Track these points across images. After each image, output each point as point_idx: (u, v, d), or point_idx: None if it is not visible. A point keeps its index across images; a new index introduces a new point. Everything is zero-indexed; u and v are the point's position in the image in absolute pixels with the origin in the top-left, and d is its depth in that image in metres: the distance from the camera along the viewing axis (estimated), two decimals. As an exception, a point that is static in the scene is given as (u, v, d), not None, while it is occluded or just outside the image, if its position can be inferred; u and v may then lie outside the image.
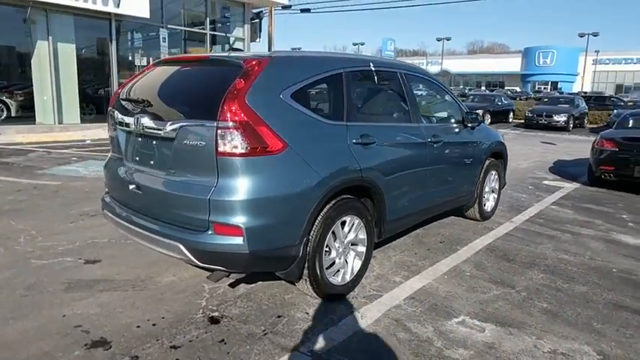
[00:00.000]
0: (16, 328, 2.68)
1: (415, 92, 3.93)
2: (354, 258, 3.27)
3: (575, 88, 46.43)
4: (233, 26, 17.34)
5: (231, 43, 17.35)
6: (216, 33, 16.53)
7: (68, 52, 12.41)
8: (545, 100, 21.66)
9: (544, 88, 50.06)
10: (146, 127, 2.82)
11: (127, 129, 3.03)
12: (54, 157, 8.41)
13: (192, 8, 16.00)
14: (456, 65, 63.38)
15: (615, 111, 17.95)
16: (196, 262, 2.65)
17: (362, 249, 3.30)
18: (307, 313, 2.97)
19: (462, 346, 2.67)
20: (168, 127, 2.68)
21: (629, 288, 3.55)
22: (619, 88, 50.56)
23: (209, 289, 3.24)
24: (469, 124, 4.47)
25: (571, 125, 18.05)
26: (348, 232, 3.17)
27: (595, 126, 19.60)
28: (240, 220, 2.53)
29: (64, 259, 3.71)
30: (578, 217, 5.56)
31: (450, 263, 3.92)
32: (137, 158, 3.02)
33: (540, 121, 18.12)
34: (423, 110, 4.13)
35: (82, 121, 12.95)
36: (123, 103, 3.14)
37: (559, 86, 47.91)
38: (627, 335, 2.85)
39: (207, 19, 15.81)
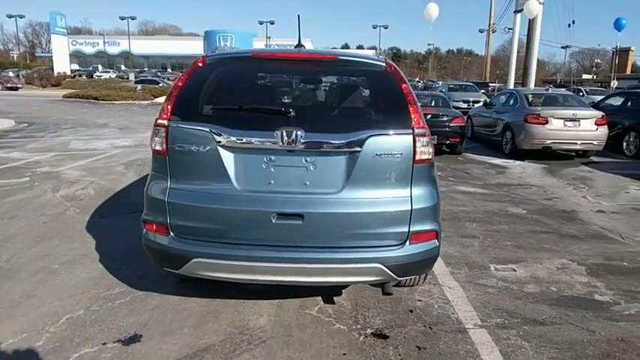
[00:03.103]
0: None
1: None
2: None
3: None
4: None
5: None
6: None
7: None
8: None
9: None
10: (309, 141, 2.42)
11: (249, 146, 2.46)
12: None
13: None
14: (138, 46, 60.42)
15: None
16: (395, 278, 2.57)
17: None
18: (421, 301, 3.27)
19: (524, 283, 3.62)
20: (355, 139, 2.42)
21: (521, 220, 5.31)
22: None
23: (316, 315, 3.02)
24: None
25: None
26: None
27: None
28: (434, 224, 2.65)
29: (98, 348, 2.54)
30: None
31: (423, 232, 4.75)
32: (272, 181, 2.48)
33: None
34: None
35: None
36: (232, 114, 2.49)
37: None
38: (565, 246, 4.45)
39: None
